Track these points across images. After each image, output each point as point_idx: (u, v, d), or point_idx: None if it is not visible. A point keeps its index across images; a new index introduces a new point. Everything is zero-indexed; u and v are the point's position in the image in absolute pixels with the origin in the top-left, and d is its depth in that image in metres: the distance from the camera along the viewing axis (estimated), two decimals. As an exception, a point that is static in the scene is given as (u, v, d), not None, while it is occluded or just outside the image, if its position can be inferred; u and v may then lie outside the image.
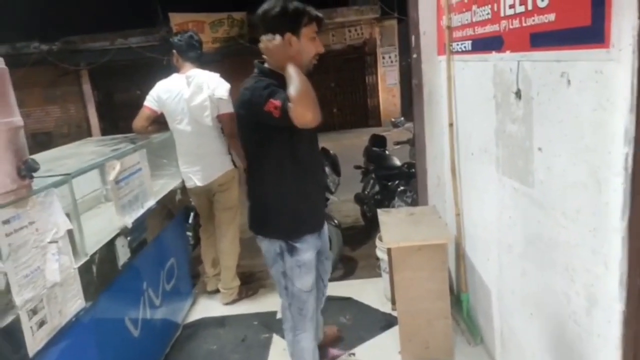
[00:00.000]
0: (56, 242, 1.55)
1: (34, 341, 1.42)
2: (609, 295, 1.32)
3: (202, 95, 2.80)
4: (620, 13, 1.15)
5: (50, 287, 1.51)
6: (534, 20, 1.59)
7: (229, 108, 2.81)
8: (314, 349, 2.12)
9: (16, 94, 1.42)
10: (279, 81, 1.74)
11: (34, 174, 1.44)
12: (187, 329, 2.89)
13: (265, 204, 1.93)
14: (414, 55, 3.00)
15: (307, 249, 1.95)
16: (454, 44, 2.44)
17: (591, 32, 1.27)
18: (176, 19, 10.87)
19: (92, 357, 1.80)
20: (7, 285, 1.35)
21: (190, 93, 2.82)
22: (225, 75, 2.93)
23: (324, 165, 2.13)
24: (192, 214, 3.71)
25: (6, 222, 1.34)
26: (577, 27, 1.33)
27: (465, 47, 2.30)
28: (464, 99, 2.41)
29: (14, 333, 1.36)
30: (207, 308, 3.11)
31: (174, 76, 2.93)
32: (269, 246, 1.96)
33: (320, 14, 1.83)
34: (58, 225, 1.57)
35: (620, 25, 1.15)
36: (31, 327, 1.41)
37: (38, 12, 10.48)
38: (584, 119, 1.35)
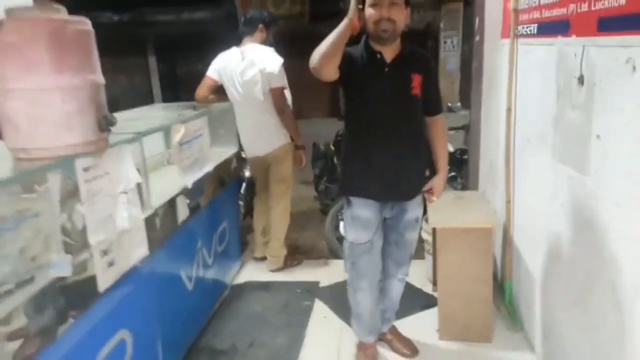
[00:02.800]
0: (126, 193, 1.70)
1: (104, 278, 1.58)
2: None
3: (254, 70, 2.90)
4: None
5: (119, 232, 1.66)
6: (603, 4, 1.55)
7: (279, 83, 2.90)
8: (371, 310, 2.21)
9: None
10: (364, 49, 1.94)
11: (111, 129, 1.58)
12: (234, 290, 3.06)
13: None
14: (477, 38, 2.97)
15: (363, 206, 2.03)
16: (520, 27, 2.39)
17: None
18: (240, -8, 11.03)
19: (151, 303, 1.96)
20: (84, 226, 1.51)
21: (243, 67, 2.93)
22: (284, 51, 3.01)
23: (412, 138, 2.02)
24: (244, 185, 3.86)
25: (86, 169, 1.49)
26: (647, 11, 1.30)
27: (530, 30, 2.26)
28: (525, 83, 2.37)
29: (87, 269, 1.52)
30: (254, 273, 3.27)
31: (233, 49, 3.04)
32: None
33: None
34: (129, 178, 1.72)
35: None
36: (102, 266, 1.57)
37: (111, -16, 10.94)
38: (648, 108, 1.33)
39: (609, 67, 1.53)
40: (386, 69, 1.94)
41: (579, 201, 1.78)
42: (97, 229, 1.55)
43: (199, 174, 2.44)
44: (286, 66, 2.93)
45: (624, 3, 1.43)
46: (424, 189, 2.13)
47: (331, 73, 1.79)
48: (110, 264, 1.63)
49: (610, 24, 1.51)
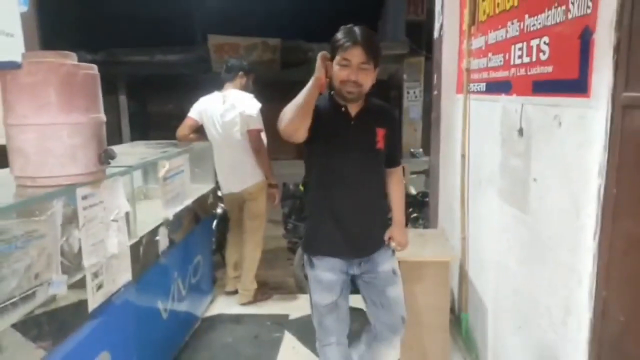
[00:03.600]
0: (117, 221, 1.85)
1: (93, 300, 1.70)
2: (581, 306, 1.54)
3: (234, 112, 3.14)
4: (599, 70, 1.42)
5: (109, 257, 1.80)
6: (536, 70, 1.86)
7: (256, 125, 3.15)
8: None
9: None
10: (328, 101, 1.92)
11: (110, 162, 1.75)
12: (205, 322, 3.14)
13: None
14: (435, 92, 3.30)
15: (326, 269, 1.97)
16: (471, 85, 2.73)
17: (578, 84, 1.54)
18: (214, 40, 11.45)
19: (130, 328, 2.06)
20: (79, 249, 1.64)
21: (224, 109, 3.17)
22: (257, 96, 3.26)
23: (375, 191, 2.02)
24: (215, 221, 3.99)
25: (84, 197, 1.65)
26: (568, 78, 1.60)
27: (480, 88, 2.59)
28: (476, 134, 2.68)
29: (80, 289, 1.64)
30: (225, 306, 3.37)
31: (215, 93, 3.28)
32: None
33: (352, 42, 1.76)
34: (120, 207, 1.87)
35: (600, 80, 1.42)
36: (92, 288, 1.69)
37: (86, 25, 11.18)
38: (570, 155, 1.61)
39: (542, 122, 1.83)
40: (352, 123, 1.92)
41: (521, 237, 2.04)
42: (91, 252, 1.68)
43: (179, 207, 2.59)
44: (263, 110, 3.17)
45: (550, 71, 1.74)
46: (385, 237, 2.06)
47: (302, 135, 1.76)
48: (99, 286, 1.75)
49: (542, 86, 1.82)
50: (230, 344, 2.89)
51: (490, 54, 2.40)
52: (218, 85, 3.34)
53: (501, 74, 2.26)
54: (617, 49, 1.36)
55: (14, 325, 1.35)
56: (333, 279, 1.98)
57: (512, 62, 2.11)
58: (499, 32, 2.25)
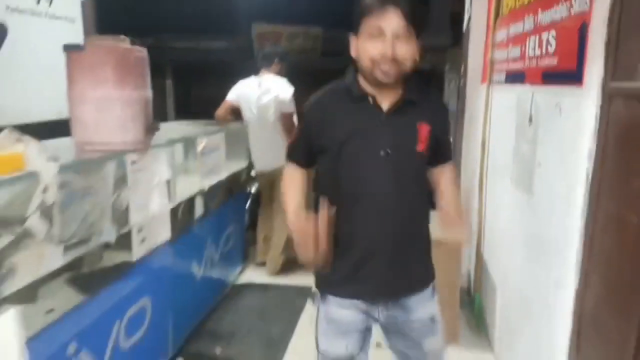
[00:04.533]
0: (159, 185, 2.12)
1: (137, 251, 1.98)
2: (569, 279, 1.68)
3: (269, 97, 3.38)
4: (593, 62, 1.55)
5: (151, 216, 2.07)
6: (545, 62, 1.98)
7: (289, 109, 3.38)
8: None
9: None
10: (350, 91, 1.45)
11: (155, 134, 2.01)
12: (235, 289, 3.42)
13: None
14: (462, 82, 3.42)
15: (344, 306, 1.50)
16: (495, 75, 2.84)
17: (575, 75, 1.66)
18: (258, 29, 11.74)
19: (167, 281, 2.34)
20: (127, 207, 1.91)
21: (260, 93, 3.41)
22: (296, 82, 3.48)
23: (414, 211, 1.49)
24: (249, 201, 4.26)
25: (134, 162, 1.91)
26: (568, 69, 1.73)
27: (501, 78, 2.70)
28: (496, 122, 2.80)
29: (126, 240, 1.92)
30: (254, 276, 3.64)
31: (252, 78, 3.53)
32: None
33: (383, 2, 1.31)
34: (162, 174, 2.14)
35: (592, 71, 1.55)
36: (137, 241, 1.97)
37: (137, 12, 11.73)
38: (567, 141, 1.74)
39: (547, 110, 1.95)
40: (383, 118, 1.42)
41: (527, 218, 2.17)
42: (137, 210, 1.95)
43: (214, 181, 2.86)
44: (297, 96, 3.39)
45: (556, 62, 1.86)
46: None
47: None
48: (143, 240, 2.02)
49: (550, 77, 1.94)
50: (257, 308, 3.16)
51: (510, 46, 2.51)
52: (257, 71, 3.58)
53: (518, 65, 2.37)
54: (607, 44, 1.48)
55: (70, 265, 1.63)
56: (351, 320, 1.50)
57: (527, 54, 2.23)
58: (518, 26, 2.36)
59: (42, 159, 1.39)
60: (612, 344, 1.45)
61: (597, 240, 1.55)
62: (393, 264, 1.46)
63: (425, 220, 1.55)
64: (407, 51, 1.35)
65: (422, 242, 1.56)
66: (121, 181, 1.87)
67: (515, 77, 2.41)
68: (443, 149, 1.54)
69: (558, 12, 1.84)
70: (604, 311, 1.53)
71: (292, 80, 3.54)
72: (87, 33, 3.30)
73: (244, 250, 3.79)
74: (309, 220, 1.40)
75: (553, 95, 1.88)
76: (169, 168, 2.21)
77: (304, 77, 3.77)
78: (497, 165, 2.71)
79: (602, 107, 1.52)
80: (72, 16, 3.14)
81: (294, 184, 1.57)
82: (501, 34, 2.71)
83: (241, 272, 3.67)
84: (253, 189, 4.19)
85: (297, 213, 1.47)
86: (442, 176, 1.56)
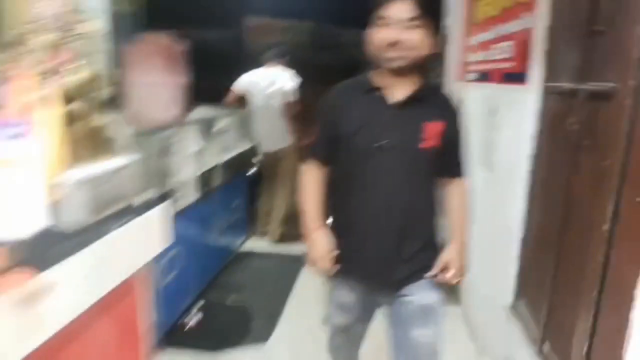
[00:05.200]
0: (190, 155, 2.58)
1: (174, 207, 2.44)
2: (516, 228, 2.20)
3: (274, 87, 3.84)
4: (535, 67, 2.06)
5: (182, 180, 2.53)
6: (505, 65, 2.49)
7: (291, 98, 3.84)
8: None
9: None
10: (363, 84, 1.51)
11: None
12: (239, 255, 3.90)
13: None
14: (445, 78, 3.93)
15: (345, 289, 1.61)
16: (468, 74, 3.34)
17: (524, 76, 2.17)
18: (249, 22, 12.09)
19: (193, 236, 2.81)
20: (169, 171, 2.37)
21: (266, 83, 3.87)
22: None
23: (415, 207, 1.53)
24: (252, 180, 4.72)
25: (173, 135, 2.37)
26: (520, 72, 2.23)
27: (473, 77, 3.21)
28: (469, 114, 3.31)
29: (167, 197, 2.38)
30: (256, 245, 4.13)
31: (259, 70, 3.99)
32: None
33: None
34: (191, 146, 2.60)
35: (534, 74, 2.05)
36: (174, 198, 2.43)
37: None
38: (517, 130, 2.25)
39: (505, 104, 2.46)
40: (389, 112, 1.46)
41: (489, 189, 2.69)
42: (174, 173, 2.41)
43: (228, 155, 3.33)
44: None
45: (514, 65, 2.37)
46: (432, 272, 1.55)
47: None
48: (177, 199, 2.49)
49: (508, 77, 2.45)
50: (260, 271, 3.64)
51: (479, 50, 3.02)
52: (251, 63, 4.04)
53: (484, 67, 2.88)
54: (545, 53, 1.99)
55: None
56: (352, 300, 1.62)
57: (491, 58, 2.73)
58: (485, 35, 2.87)
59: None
60: (542, 272, 1.96)
61: (536, 198, 2.07)
62: (390, 252, 1.50)
63: (428, 213, 1.56)
64: (412, 38, 1.36)
65: (422, 234, 1.55)
66: (165, 149, 2.33)
67: (483, 77, 2.92)
68: (451, 158, 1.61)
69: (513, 27, 2.34)
70: (540, 255, 2.05)
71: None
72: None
73: (247, 222, 4.27)
74: (324, 237, 1.54)
75: (510, 92, 2.39)
76: (197, 142, 2.67)
77: (298, 71, 4.20)
78: (472, 152, 3.22)
79: (540, 102, 2.03)
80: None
81: (312, 184, 1.60)
82: (474, 39, 3.22)
83: (244, 241, 4.15)
84: (255, 170, 4.67)
85: (315, 230, 1.56)
86: (450, 194, 1.63)
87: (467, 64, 3.36)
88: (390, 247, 1.50)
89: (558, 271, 1.80)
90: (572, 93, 1.71)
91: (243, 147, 3.98)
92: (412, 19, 1.35)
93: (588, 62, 1.65)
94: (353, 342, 1.80)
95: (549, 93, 1.97)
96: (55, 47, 1.10)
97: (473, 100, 3.18)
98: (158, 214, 1.67)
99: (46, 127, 1.03)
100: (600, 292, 1.41)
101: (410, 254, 1.52)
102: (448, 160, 1.59)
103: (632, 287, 1.22)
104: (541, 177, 2.02)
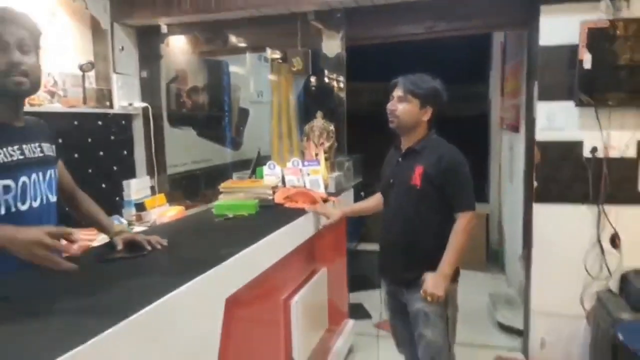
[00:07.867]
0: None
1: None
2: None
3: None
4: (522, 123, 3.83)
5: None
6: (512, 121, 4.25)
7: None
8: None
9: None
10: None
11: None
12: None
13: None
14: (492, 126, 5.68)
15: (384, 289, 2.26)
16: (503, 124, 5.09)
17: (519, 128, 3.93)
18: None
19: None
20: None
21: None
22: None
23: (410, 228, 2.05)
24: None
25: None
26: (514, 124, 4.00)
27: (504, 127, 4.95)
28: (504, 150, 5.04)
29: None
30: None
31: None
32: None
33: (395, 82, 2.06)
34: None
35: (522, 127, 3.80)
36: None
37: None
38: (519, 157, 3.96)
39: (514, 144, 4.20)
40: (399, 159, 2.09)
41: (513, 199, 4.36)
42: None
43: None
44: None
45: (514, 119, 4.13)
46: (421, 278, 1.96)
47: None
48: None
49: (511, 127, 4.21)
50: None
51: (511, 109, 4.78)
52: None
53: (512, 121, 4.63)
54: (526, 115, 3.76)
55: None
56: (386, 298, 2.25)
57: (506, 117, 4.50)
58: (513, 100, 4.61)
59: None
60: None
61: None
62: (394, 263, 2.11)
63: (424, 236, 2.00)
64: (402, 109, 1.99)
65: (415, 252, 2.02)
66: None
67: (508, 127, 4.68)
68: (451, 195, 1.96)
69: (513, 101, 4.12)
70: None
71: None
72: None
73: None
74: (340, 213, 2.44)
75: (515, 137, 4.15)
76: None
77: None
78: (504, 171, 4.94)
79: (525, 142, 3.76)
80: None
81: (371, 198, 2.46)
82: (506, 102, 4.97)
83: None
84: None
85: (344, 211, 2.49)
86: (453, 226, 1.96)
87: (502, 118, 5.12)
88: (393, 256, 2.13)
89: None
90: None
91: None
92: (401, 96, 2.00)
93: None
94: (398, 338, 2.28)
95: (529, 139, 3.73)
96: (322, 132, 3.16)
97: (507, 143, 4.94)
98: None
99: (322, 161, 3.05)
100: None
101: (405, 264, 2.06)
102: (447, 197, 1.97)
103: None
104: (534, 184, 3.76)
